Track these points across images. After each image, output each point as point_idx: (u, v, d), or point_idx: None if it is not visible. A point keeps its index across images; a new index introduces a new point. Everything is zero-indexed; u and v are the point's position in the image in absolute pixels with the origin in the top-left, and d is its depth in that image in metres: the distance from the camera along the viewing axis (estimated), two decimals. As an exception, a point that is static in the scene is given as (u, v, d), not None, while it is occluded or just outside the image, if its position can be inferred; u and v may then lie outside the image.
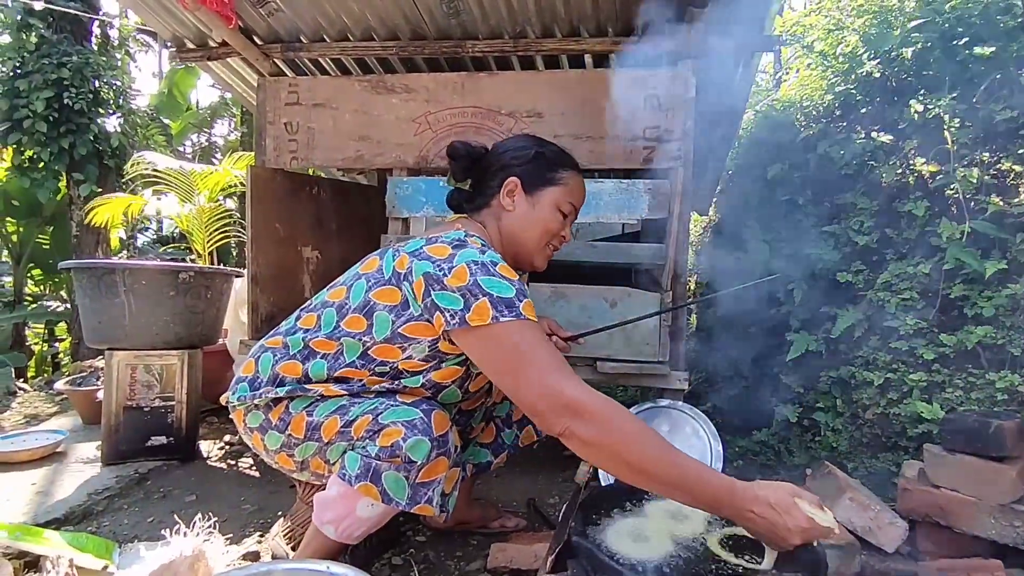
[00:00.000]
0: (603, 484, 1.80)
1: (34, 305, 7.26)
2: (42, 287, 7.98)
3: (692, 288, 3.93)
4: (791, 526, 0.95)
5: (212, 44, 2.62)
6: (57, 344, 7.75)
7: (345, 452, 1.22)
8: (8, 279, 7.17)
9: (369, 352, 1.25)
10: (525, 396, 1.09)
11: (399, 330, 1.22)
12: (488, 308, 1.09)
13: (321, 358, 1.27)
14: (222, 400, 1.37)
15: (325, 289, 1.37)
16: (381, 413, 1.20)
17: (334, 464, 1.24)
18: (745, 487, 0.98)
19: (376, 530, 1.30)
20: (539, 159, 1.37)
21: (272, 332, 1.38)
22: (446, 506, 1.25)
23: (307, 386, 1.25)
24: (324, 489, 1.25)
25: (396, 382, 1.28)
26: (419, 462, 1.16)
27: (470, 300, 1.11)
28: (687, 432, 2.00)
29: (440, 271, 1.15)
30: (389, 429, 1.17)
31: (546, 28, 2.33)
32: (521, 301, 1.11)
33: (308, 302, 1.39)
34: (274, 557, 1.49)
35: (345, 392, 1.25)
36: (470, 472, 1.58)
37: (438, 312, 1.14)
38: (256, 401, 1.28)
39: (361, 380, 1.26)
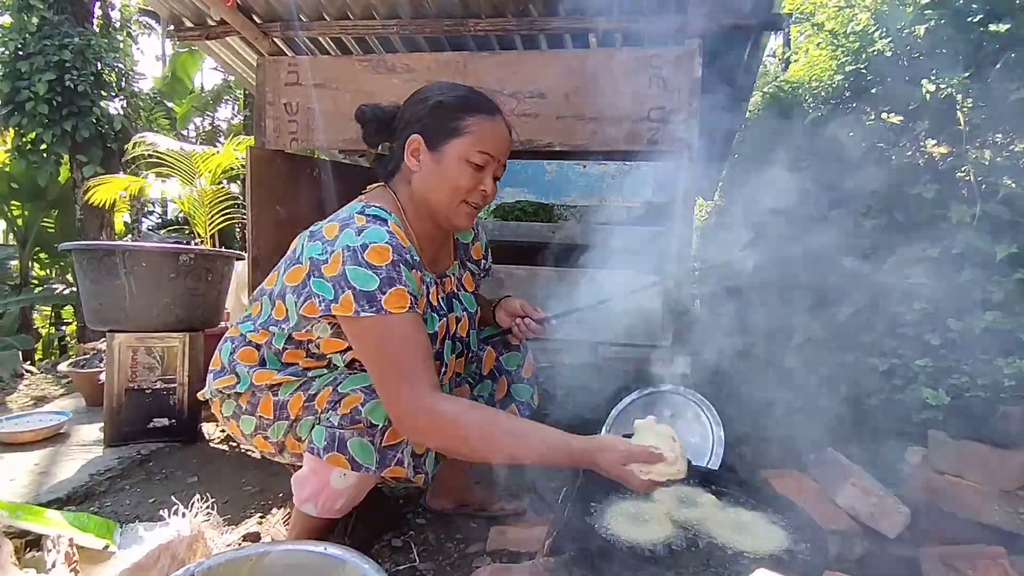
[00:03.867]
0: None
1: (40, 288, 7.29)
2: (48, 270, 8.02)
3: (695, 273, 3.89)
4: (629, 486, 1.03)
5: (210, 23, 2.59)
6: (64, 327, 7.81)
7: (313, 427, 1.22)
8: (14, 262, 7.19)
9: (293, 336, 1.26)
10: (382, 398, 1.13)
11: (299, 311, 1.21)
12: (351, 302, 1.09)
13: (265, 345, 1.29)
14: (199, 396, 1.39)
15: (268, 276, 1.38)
16: (340, 383, 1.21)
17: (306, 441, 1.24)
18: (582, 450, 1.03)
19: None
20: (439, 109, 1.24)
21: (235, 322, 1.40)
22: (421, 467, 1.24)
23: (255, 380, 1.27)
24: None
25: (325, 360, 1.28)
26: (381, 425, 1.16)
27: (338, 291, 1.10)
28: (689, 417, 1.99)
29: (322, 256, 1.14)
30: (349, 397, 1.18)
31: (549, 6, 2.28)
32: (385, 293, 1.09)
33: (254, 291, 1.39)
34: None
35: (292, 378, 1.26)
36: None
37: (312, 298, 1.15)
38: (225, 389, 1.30)
39: (297, 363, 1.28)
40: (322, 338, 1.25)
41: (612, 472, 1.02)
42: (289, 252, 1.30)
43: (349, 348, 1.26)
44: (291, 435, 1.26)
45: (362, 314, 1.08)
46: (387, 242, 1.13)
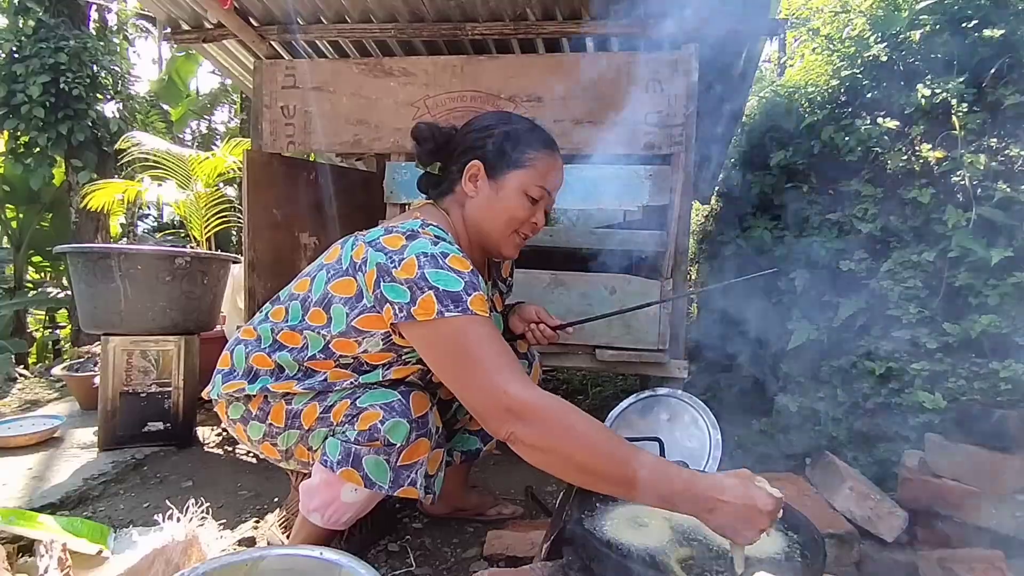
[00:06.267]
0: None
1: (35, 292, 7.25)
2: (43, 274, 7.98)
3: (693, 276, 3.90)
4: (760, 506, 0.88)
5: (208, 26, 2.59)
6: (58, 331, 7.76)
7: (327, 438, 1.21)
8: (9, 266, 7.15)
9: (330, 346, 1.21)
10: (468, 398, 1.03)
11: (352, 323, 1.17)
12: (433, 302, 1.03)
13: (288, 351, 1.25)
14: (203, 395, 1.37)
15: (293, 280, 1.33)
16: (359, 397, 1.19)
17: (317, 451, 1.23)
18: (709, 477, 0.92)
19: (369, 515, 1.30)
20: (503, 139, 1.26)
21: (247, 323, 1.37)
22: (431, 488, 1.24)
23: (272, 387, 1.24)
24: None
25: (358, 376, 1.24)
26: (398, 444, 1.15)
27: (416, 293, 1.05)
28: (686, 421, 1.98)
29: (391, 262, 1.09)
30: (367, 412, 1.16)
31: (547, 10, 2.29)
32: (470, 295, 1.05)
33: (277, 294, 1.36)
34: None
35: (308, 391, 1.23)
36: (458, 460, 1.56)
37: (387, 304, 1.09)
38: (234, 393, 1.27)
39: (325, 373, 1.23)
40: (369, 352, 1.20)
41: (748, 487, 0.89)
42: (328, 261, 1.25)
43: (391, 364, 1.24)
44: (302, 444, 1.25)
45: (447, 314, 1.02)
46: (464, 256, 1.12)
